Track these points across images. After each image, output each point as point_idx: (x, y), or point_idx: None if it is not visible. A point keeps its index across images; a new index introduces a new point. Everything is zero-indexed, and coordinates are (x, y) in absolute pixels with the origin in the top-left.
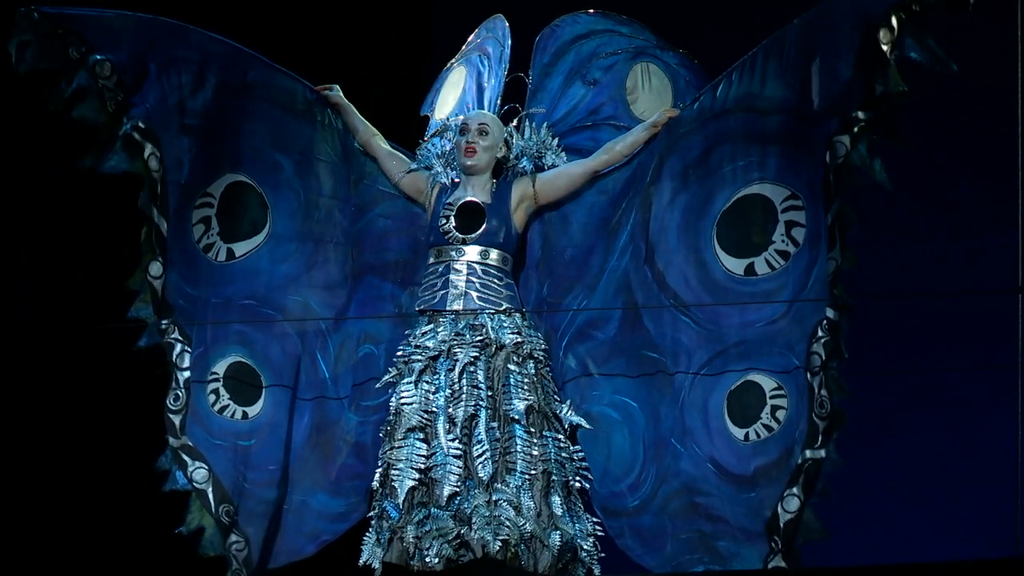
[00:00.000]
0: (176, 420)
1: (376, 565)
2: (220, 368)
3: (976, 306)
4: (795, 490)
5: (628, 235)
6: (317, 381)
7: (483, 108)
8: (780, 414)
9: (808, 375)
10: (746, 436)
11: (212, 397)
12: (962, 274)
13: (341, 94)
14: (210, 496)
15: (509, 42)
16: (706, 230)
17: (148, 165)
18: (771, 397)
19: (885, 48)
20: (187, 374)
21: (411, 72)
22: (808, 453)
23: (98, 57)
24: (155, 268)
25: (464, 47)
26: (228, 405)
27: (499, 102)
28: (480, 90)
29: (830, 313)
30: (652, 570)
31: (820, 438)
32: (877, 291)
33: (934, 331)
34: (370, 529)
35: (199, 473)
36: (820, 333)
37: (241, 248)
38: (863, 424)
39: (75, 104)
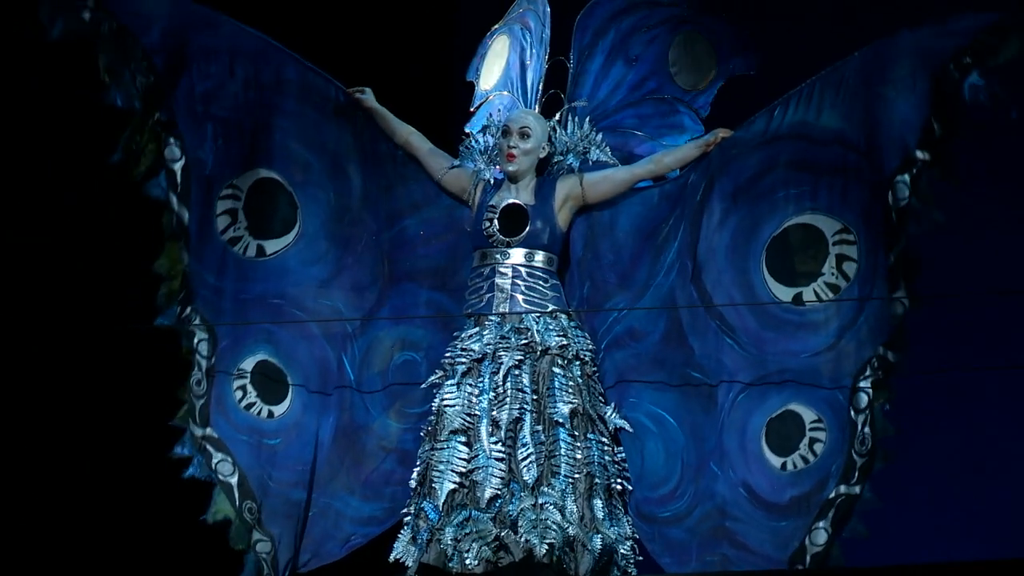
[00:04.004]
0: (198, 405)
1: (409, 563)
2: (248, 365)
3: (1012, 307)
4: (823, 524)
5: (675, 253)
6: (343, 384)
7: (526, 90)
8: (818, 447)
9: (852, 412)
10: (783, 465)
11: (239, 393)
12: (996, 274)
13: (373, 98)
14: (235, 491)
15: (549, 21)
16: (755, 254)
17: (165, 156)
18: (810, 429)
19: (947, 89)
20: (207, 363)
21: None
22: (843, 488)
23: (131, 39)
24: (183, 255)
25: (507, 14)
26: (255, 403)
27: (541, 87)
28: (523, 68)
29: (889, 355)
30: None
31: (857, 474)
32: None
33: (970, 331)
34: (405, 526)
35: (224, 466)
36: (868, 371)
37: (272, 246)
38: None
39: (107, 87)
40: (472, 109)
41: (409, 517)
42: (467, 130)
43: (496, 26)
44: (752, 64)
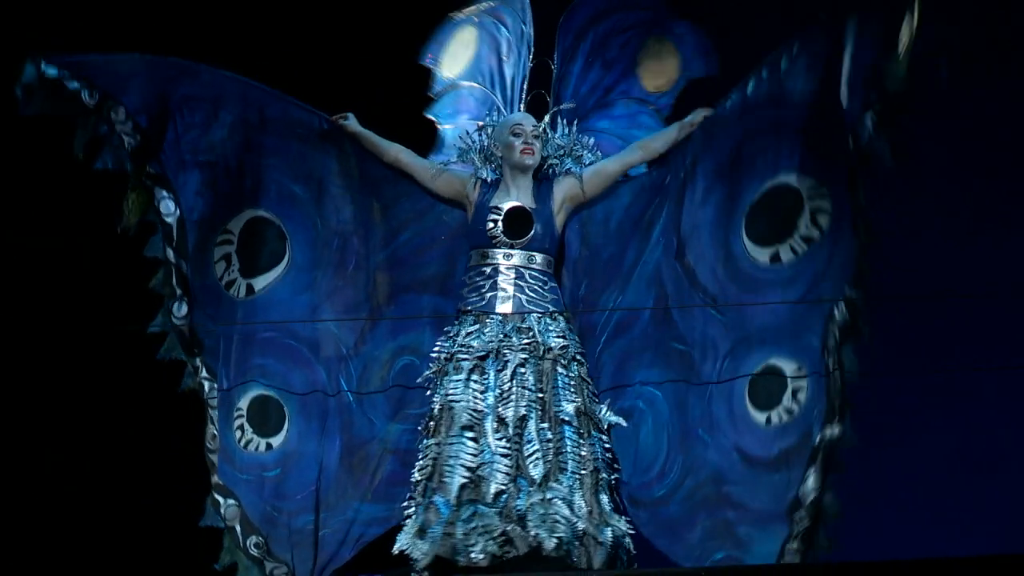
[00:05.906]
0: (215, 459)
1: (416, 555)
2: (244, 403)
3: (994, 307)
4: (814, 470)
5: (660, 230)
6: (343, 405)
7: (505, 87)
8: (801, 395)
9: (824, 354)
10: (768, 420)
11: (238, 433)
12: (981, 274)
13: (356, 122)
14: (238, 531)
15: (531, 20)
16: (736, 224)
17: (160, 210)
18: (792, 379)
19: (903, 44)
20: (218, 413)
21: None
22: (827, 432)
23: (112, 103)
24: (179, 309)
25: (475, 6)
26: (252, 439)
27: (525, 86)
28: (500, 62)
29: (849, 291)
30: (671, 557)
31: (836, 414)
32: (897, 291)
33: (953, 331)
34: (411, 519)
35: (230, 510)
36: (836, 314)
37: (260, 282)
38: (882, 423)
39: (96, 153)
40: (432, 94)
41: (413, 510)
42: (428, 115)
43: (458, 15)
44: (713, 66)
